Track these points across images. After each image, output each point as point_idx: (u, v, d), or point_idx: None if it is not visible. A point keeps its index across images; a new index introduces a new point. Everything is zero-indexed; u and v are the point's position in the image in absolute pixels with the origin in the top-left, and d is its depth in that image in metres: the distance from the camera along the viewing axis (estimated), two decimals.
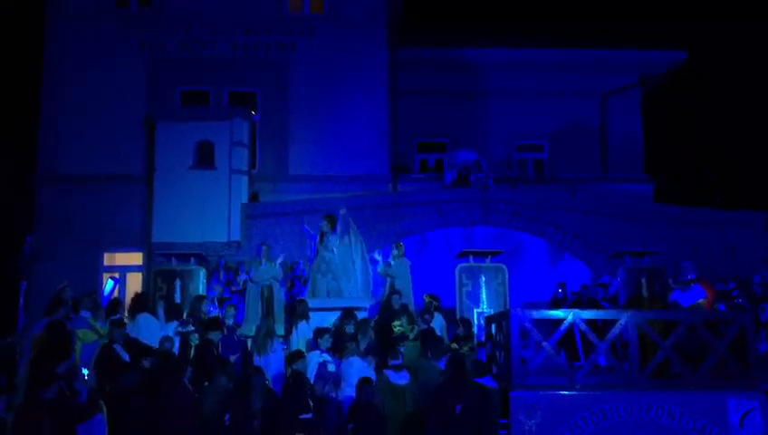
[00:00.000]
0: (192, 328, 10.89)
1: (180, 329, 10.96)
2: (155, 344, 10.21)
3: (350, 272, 12.80)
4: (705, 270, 14.44)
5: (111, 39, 18.27)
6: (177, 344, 10.53)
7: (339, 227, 12.95)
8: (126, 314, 12.09)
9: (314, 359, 9.99)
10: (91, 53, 18.12)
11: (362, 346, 10.37)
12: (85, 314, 11.16)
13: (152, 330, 11.01)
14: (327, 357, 10.03)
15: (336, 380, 9.82)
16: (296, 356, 9.51)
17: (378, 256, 13.86)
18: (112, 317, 11.01)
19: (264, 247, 13.92)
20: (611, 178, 20.16)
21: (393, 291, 12.63)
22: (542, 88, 20.62)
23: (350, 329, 10.82)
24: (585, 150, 20.74)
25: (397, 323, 11.79)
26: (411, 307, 12.92)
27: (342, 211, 13.10)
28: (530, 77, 20.58)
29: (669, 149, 26.67)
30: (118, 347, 9.73)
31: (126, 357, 9.65)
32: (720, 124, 28.26)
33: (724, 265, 15.68)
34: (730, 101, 28.08)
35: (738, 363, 9.58)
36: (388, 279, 13.42)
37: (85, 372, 9.28)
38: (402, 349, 10.19)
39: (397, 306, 12.12)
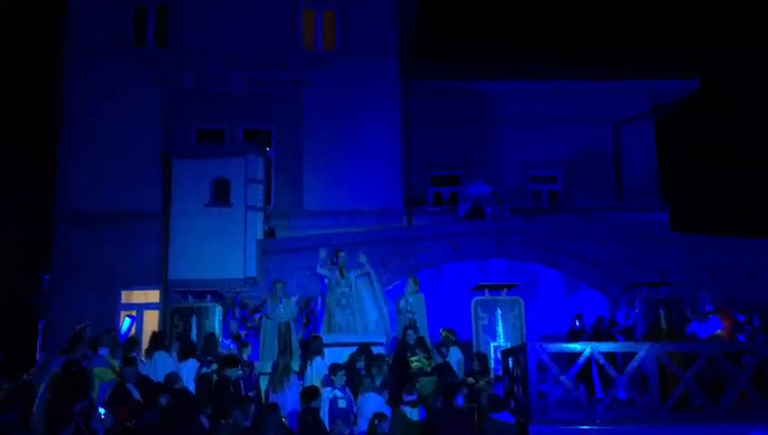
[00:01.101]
0: (216, 367, 10.87)
1: (205, 370, 10.94)
2: None
3: (366, 307, 12.79)
4: (723, 297, 14.32)
5: (128, 77, 18.55)
6: (185, 382, 10.51)
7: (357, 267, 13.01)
8: (143, 352, 12.10)
9: (326, 395, 9.98)
10: (109, 91, 18.37)
11: (377, 381, 10.33)
12: (104, 351, 11.22)
13: (168, 368, 10.99)
14: (338, 393, 10.02)
15: (346, 416, 9.78)
16: (312, 393, 9.48)
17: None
18: (127, 356, 11.03)
19: (279, 284, 13.92)
20: (626, 207, 20.09)
21: (408, 326, 12.58)
22: (556, 117, 20.66)
23: (360, 365, 10.78)
24: (599, 179, 20.70)
25: (414, 358, 11.75)
26: (427, 341, 12.87)
27: (362, 259, 13.15)
28: (543, 107, 20.65)
29: (684, 176, 26.58)
30: (130, 386, 9.73)
31: (137, 395, 9.64)
32: (734, 151, 28.16)
33: (743, 291, 15.53)
34: (743, 127, 28.03)
35: (760, 395, 9.45)
36: (408, 314, 13.36)
37: (102, 411, 9.28)
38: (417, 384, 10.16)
39: (411, 341, 12.08)
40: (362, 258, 13.15)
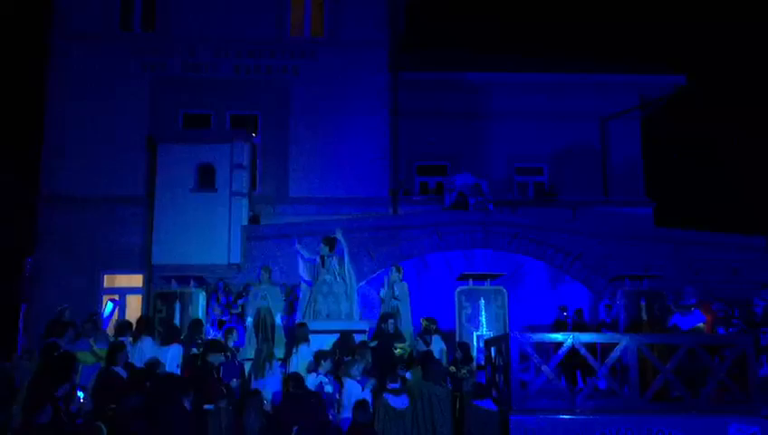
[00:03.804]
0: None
1: (194, 350, 10.94)
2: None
3: (350, 294, 12.81)
4: (705, 293, 14.45)
5: (115, 61, 18.41)
6: (168, 367, 10.50)
7: (339, 249, 13.01)
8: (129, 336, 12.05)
9: (312, 381, 9.99)
10: (95, 75, 18.24)
11: (360, 369, 10.35)
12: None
13: (155, 353, 10.95)
14: (324, 379, 10.04)
15: (332, 402, 9.82)
16: (296, 380, 9.49)
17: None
18: (115, 340, 11.00)
19: (266, 270, 13.92)
20: (612, 201, 20.21)
21: (389, 315, 12.57)
22: (543, 111, 20.72)
23: (342, 353, 10.82)
24: (585, 173, 20.79)
25: (399, 345, 11.80)
26: (410, 330, 12.92)
27: (338, 234, 13.17)
28: (530, 100, 20.69)
29: (669, 171, 26.74)
30: (119, 369, 9.70)
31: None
32: (719, 147, 28.36)
33: (725, 287, 15.66)
34: (729, 124, 28.20)
35: (739, 387, 9.55)
36: (392, 302, 13.38)
37: (80, 394, 9.25)
38: (408, 375, 10.18)
39: (391, 330, 12.10)
40: (338, 234, 13.18)
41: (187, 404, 8.85)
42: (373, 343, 11.57)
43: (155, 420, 8.56)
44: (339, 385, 10.16)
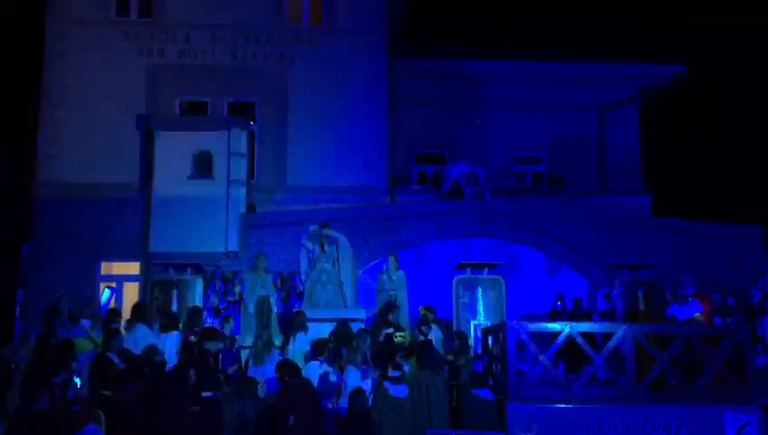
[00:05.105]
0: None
1: (193, 339, 10.93)
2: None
3: (346, 283, 12.83)
4: (702, 283, 14.45)
5: (112, 47, 18.38)
6: (167, 354, 10.49)
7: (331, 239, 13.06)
8: (124, 323, 12.05)
9: (315, 370, 9.97)
10: (91, 62, 18.21)
11: (359, 357, 10.36)
12: (85, 322, 11.17)
13: (149, 341, 10.95)
14: (328, 368, 10.03)
15: (338, 390, 9.83)
16: (291, 368, 9.48)
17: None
18: (109, 326, 10.98)
19: (262, 258, 13.91)
20: (610, 191, 20.22)
21: (392, 304, 12.56)
22: (541, 100, 20.68)
23: (338, 342, 10.82)
24: (584, 163, 20.78)
25: (399, 334, 11.81)
26: (407, 319, 12.92)
27: (324, 231, 13.19)
28: (529, 89, 20.65)
29: (668, 161, 26.70)
30: (113, 356, 9.68)
31: (121, 366, 9.60)
32: (718, 137, 28.32)
33: (722, 277, 15.67)
34: (728, 114, 28.16)
35: (735, 377, 9.56)
36: (389, 292, 13.38)
37: (77, 381, 9.25)
38: (407, 367, 10.17)
39: (395, 320, 12.11)
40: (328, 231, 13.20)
41: (185, 392, 8.85)
42: (389, 330, 11.57)
43: (153, 407, 8.55)
44: (339, 373, 10.16)
